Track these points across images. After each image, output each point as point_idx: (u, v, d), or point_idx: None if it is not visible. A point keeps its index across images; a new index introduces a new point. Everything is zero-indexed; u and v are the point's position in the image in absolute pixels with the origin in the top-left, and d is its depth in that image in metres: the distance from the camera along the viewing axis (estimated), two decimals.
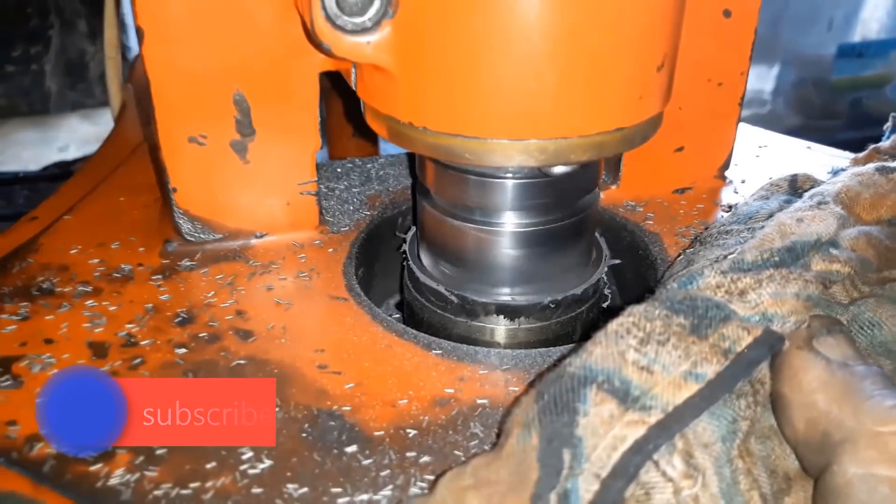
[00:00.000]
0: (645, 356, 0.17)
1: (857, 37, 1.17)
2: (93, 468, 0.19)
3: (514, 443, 0.17)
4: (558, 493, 0.16)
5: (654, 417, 0.16)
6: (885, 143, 0.34)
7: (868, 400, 0.17)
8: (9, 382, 0.22)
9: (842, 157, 0.37)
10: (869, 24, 1.17)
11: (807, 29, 1.15)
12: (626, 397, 0.17)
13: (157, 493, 0.18)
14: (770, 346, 0.18)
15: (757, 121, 1.19)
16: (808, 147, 0.38)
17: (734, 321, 0.18)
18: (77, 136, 1.96)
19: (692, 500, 0.16)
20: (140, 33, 0.24)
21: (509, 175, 0.23)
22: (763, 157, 0.35)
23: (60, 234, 0.29)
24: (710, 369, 0.17)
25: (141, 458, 0.19)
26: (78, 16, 2.14)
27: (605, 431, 0.16)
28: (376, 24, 0.19)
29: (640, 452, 0.16)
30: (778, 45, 1.18)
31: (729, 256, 0.20)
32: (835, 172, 0.32)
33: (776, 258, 0.20)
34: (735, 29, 0.29)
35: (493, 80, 0.19)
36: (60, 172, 1.09)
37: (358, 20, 0.19)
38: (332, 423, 0.20)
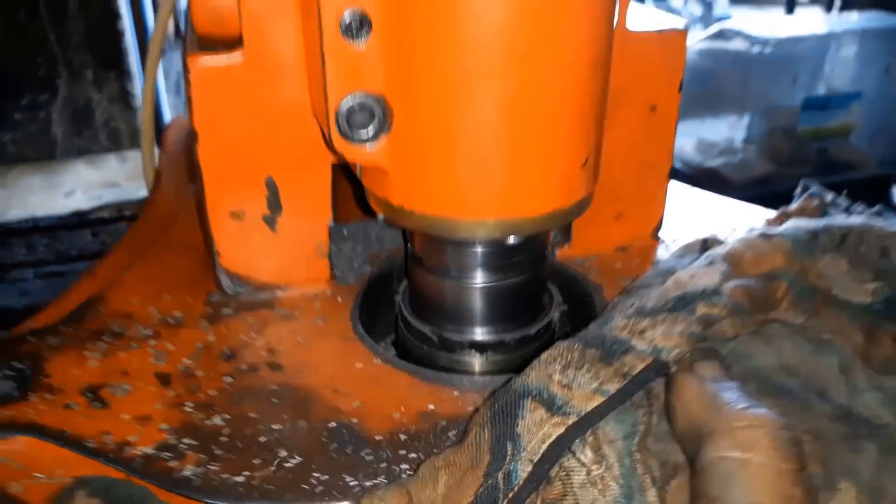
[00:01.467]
0: (566, 377, 0.24)
1: (821, 90, 1.26)
2: (171, 464, 0.25)
3: (474, 437, 0.23)
4: (503, 472, 0.23)
5: (571, 420, 0.23)
6: (792, 207, 0.41)
7: (726, 405, 0.24)
8: (99, 404, 0.28)
9: (763, 215, 0.45)
10: (831, 79, 1.26)
11: (775, 82, 1.24)
12: (552, 406, 0.23)
13: (217, 480, 0.25)
14: (657, 371, 0.25)
15: (729, 168, 1.27)
16: (735, 205, 0.45)
17: (632, 353, 0.25)
18: (83, 181, 2.03)
19: (599, 479, 0.23)
20: (195, 135, 0.31)
21: (477, 244, 0.30)
22: (696, 217, 0.43)
23: (122, 288, 0.36)
24: (613, 387, 0.24)
25: (205, 457, 0.26)
26: (85, 66, 2.23)
27: (536, 430, 0.23)
28: (375, 137, 0.27)
29: (561, 445, 0.23)
30: (748, 98, 1.27)
31: (635, 304, 0.27)
32: (749, 231, 0.39)
33: (669, 305, 0.27)
34: (660, 121, 0.36)
35: (462, 177, 0.26)
36: (78, 221, 1.17)
37: (362, 134, 0.27)
38: (344, 431, 0.27)
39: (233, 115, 0.30)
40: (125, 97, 2.34)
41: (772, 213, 0.44)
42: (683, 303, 0.27)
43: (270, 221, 0.33)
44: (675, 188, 0.45)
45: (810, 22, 1.28)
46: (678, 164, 1.29)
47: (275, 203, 0.32)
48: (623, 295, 0.31)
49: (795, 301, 0.30)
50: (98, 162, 2.26)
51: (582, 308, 0.35)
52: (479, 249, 0.30)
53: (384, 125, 0.26)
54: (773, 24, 1.22)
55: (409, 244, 0.33)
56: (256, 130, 0.31)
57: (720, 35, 1.22)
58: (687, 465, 0.25)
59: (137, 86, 2.30)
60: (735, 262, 0.30)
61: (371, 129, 0.26)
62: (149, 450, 0.26)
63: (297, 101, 0.30)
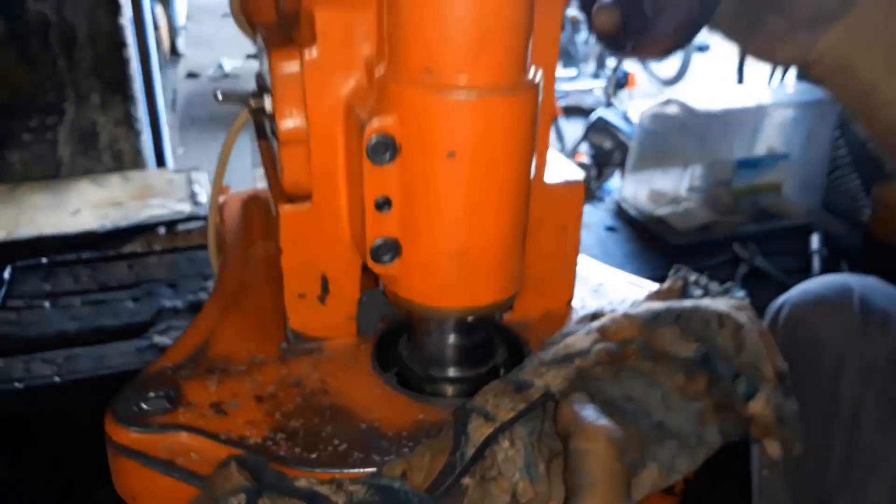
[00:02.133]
0: (496, 401, 0.43)
1: (755, 151, 1.47)
2: (272, 448, 0.44)
3: (444, 433, 0.42)
4: (459, 452, 0.42)
5: (497, 424, 0.42)
6: (663, 286, 0.61)
7: (585, 418, 0.43)
8: (222, 414, 0.47)
9: (647, 288, 0.64)
10: (764, 141, 1.47)
11: (716, 144, 1.45)
12: (487, 417, 0.42)
13: (300, 456, 0.44)
14: (547, 398, 0.44)
15: (675, 217, 1.47)
16: (629, 281, 0.65)
17: (534, 388, 0.44)
18: (88, 200, 2.21)
19: (512, 457, 0.42)
20: (280, 249, 0.50)
21: (451, 320, 0.49)
22: (598, 292, 0.63)
23: (219, 339, 0.55)
24: (522, 406, 0.43)
25: (291, 444, 0.45)
26: (92, 90, 2.42)
27: (478, 430, 0.42)
28: (391, 260, 0.46)
29: (491, 439, 0.42)
30: (692, 155, 1.47)
31: (539, 358, 0.46)
32: (632, 303, 0.59)
33: (559, 359, 0.46)
34: (569, 234, 0.56)
35: (443, 283, 0.46)
36: (115, 255, 1.35)
37: (384, 259, 0.46)
38: (370, 431, 0.46)
39: (304, 240, 0.49)
40: (129, 120, 2.54)
41: (652, 286, 0.64)
42: (568, 358, 0.46)
43: (322, 300, 0.52)
44: (588, 266, 0.65)
45: (747, 94, 1.50)
46: (633, 213, 1.50)
47: (325, 289, 0.52)
48: (539, 349, 0.51)
49: (640, 356, 0.49)
50: (102, 181, 2.44)
51: (516, 355, 0.54)
52: (452, 322, 0.49)
53: (398, 254, 0.46)
54: (714, 97, 1.43)
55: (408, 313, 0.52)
56: (318, 248, 0.50)
57: (668, 103, 1.43)
58: (563, 451, 0.44)
59: (141, 109, 2.49)
60: (604, 332, 0.49)
61: (390, 256, 0.46)
62: (258, 440, 0.45)
63: (344, 233, 0.49)
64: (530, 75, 0.42)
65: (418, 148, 0.41)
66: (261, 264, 0.64)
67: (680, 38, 0.51)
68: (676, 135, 1.44)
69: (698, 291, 0.60)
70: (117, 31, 2.10)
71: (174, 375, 0.50)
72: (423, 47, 0.40)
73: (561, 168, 0.55)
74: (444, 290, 0.45)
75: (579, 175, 0.55)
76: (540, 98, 0.43)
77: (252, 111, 0.50)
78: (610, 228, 1.48)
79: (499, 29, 0.39)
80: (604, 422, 0.42)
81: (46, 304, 1.15)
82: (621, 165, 2.53)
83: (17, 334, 1.08)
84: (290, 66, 0.45)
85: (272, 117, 0.47)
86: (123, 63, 2.21)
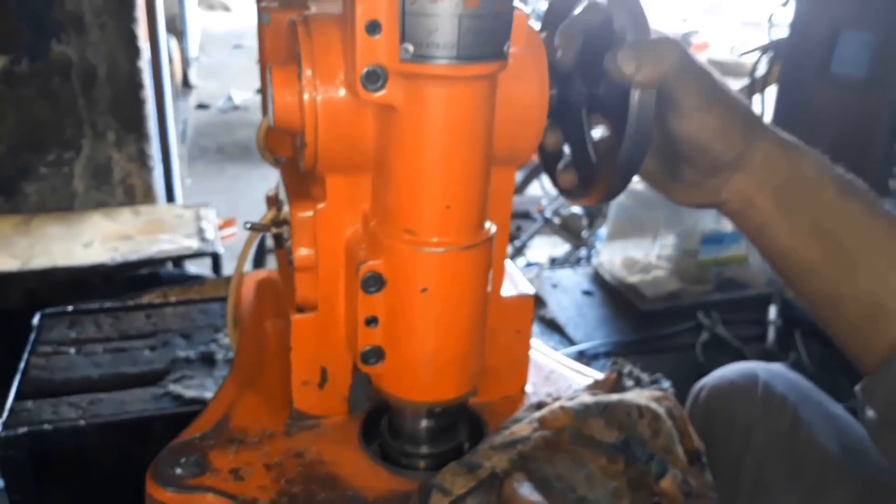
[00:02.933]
0: (453, 479, 0.56)
1: (721, 222, 1.61)
2: None
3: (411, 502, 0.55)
4: None
5: (453, 497, 0.55)
6: (600, 378, 0.74)
7: (519, 490, 0.55)
8: (240, 479, 0.60)
9: (590, 375, 0.77)
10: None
11: (683, 215, 1.58)
12: (445, 492, 0.55)
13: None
14: (494, 477, 0.57)
15: (646, 284, 1.61)
16: (575, 369, 0.78)
17: (483, 468, 0.57)
18: (100, 232, 2.35)
19: None
20: (289, 348, 0.63)
21: (422, 409, 0.62)
22: (549, 378, 0.76)
23: (238, 413, 0.68)
24: (472, 484, 0.56)
25: None
26: (109, 127, 2.58)
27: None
28: (376, 363, 0.59)
29: None
30: (659, 226, 1.61)
31: (490, 442, 0.59)
32: (569, 396, 0.72)
33: (505, 444, 0.59)
34: (521, 337, 0.69)
35: (416, 381, 0.59)
36: (134, 306, 1.48)
37: (371, 362, 0.59)
38: (355, 496, 0.59)
39: (310, 341, 0.63)
40: (142, 157, 2.70)
41: (595, 373, 0.77)
42: (512, 444, 0.59)
43: (321, 386, 0.65)
44: (542, 354, 0.78)
45: None
46: (608, 278, 1.63)
47: (324, 378, 0.65)
48: (493, 432, 0.63)
49: (571, 442, 0.62)
50: (114, 215, 2.59)
51: (477, 433, 0.67)
52: (423, 410, 0.63)
53: (382, 358, 0.59)
54: None
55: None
56: (320, 348, 0.63)
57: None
58: None
59: (154, 146, 2.64)
60: (542, 422, 0.62)
61: (375, 360, 0.59)
62: (266, 502, 0.58)
63: (340, 336, 0.63)
64: (485, 230, 0.56)
65: (400, 284, 0.55)
66: (272, 343, 0.78)
67: (616, 186, 0.64)
68: (648, 206, 1.58)
69: (630, 382, 0.73)
70: (135, 72, 2.25)
71: (201, 444, 0.63)
72: (404, 215, 0.53)
73: (515, 282, 0.69)
74: (418, 387, 0.58)
75: (530, 290, 0.68)
76: (493, 245, 0.56)
77: (274, 236, 0.64)
78: (587, 292, 1.61)
79: (460, 203, 0.53)
80: (536, 497, 0.55)
81: (72, 350, 1.28)
82: None
83: (47, 378, 1.20)
84: (306, 213, 0.59)
85: (289, 246, 0.61)
86: (139, 103, 2.37)
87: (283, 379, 0.67)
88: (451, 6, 0.46)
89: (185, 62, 5.60)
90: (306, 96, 0.53)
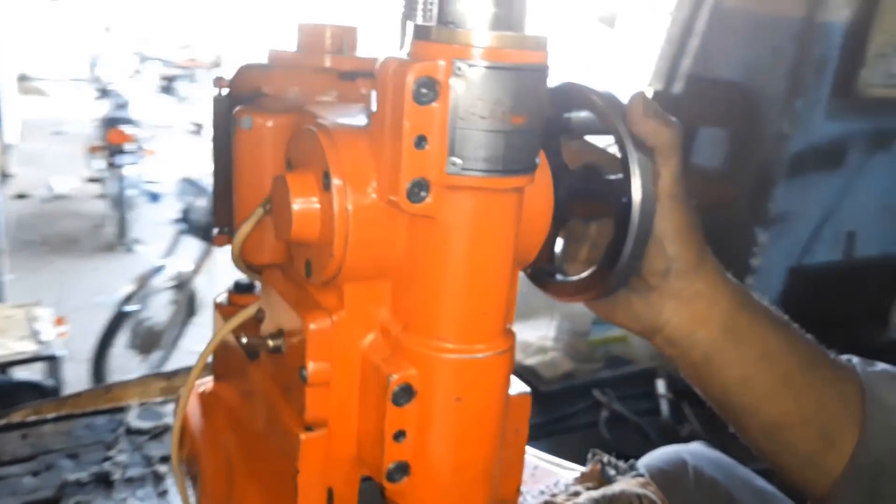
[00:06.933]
0: None
1: None
2: None
3: None
4: None
5: None
6: (586, 470, 0.75)
7: None
8: None
9: (569, 468, 0.79)
10: None
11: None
12: None
13: None
14: None
15: (544, 366, 1.67)
16: (555, 463, 0.79)
17: None
18: None
19: None
20: (297, 470, 0.59)
21: None
22: (535, 475, 0.76)
23: None
24: None
25: None
26: None
27: None
28: (400, 479, 0.57)
29: None
30: (553, 309, 1.69)
31: None
32: (566, 489, 0.73)
33: None
34: (519, 438, 0.69)
35: (439, 498, 0.57)
36: (6, 425, 1.29)
37: (397, 478, 0.56)
38: None
39: (318, 461, 0.59)
40: None
41: (573, 466, 0.79)
42: None
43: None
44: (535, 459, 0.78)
45: None
46: None
47: (330, 499, 0.61)
48: None
49: None
50: None
51: None
52: None
53: (407, 473, 0.56)
54: None
55: None
56: (328, 467, 0.59)
57: None
58: None
59: None
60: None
61: (401, 476, 0.56)
62: None
63: (350, 454, 0.59)
64: (512, 333, 0.56)
65: (434, 395, 0.53)
66: (239, 463, 0.71)
67: (619, 281, 0.65)
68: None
69: (612, 471, 0.75)
70: None
71: None
72: (440, 322, 0.53)
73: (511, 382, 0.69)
74: (447, 501, 0.56)
75: (526, 388, 0.69)
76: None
77: (269, 349, 0.60)
78: None
79: (495, 309, 0.53)
80: None
81: None
82: None
83: None
84: (321, 324, 0.56)
85: (298, 361, 0.57)
86: None
87: (267, 502, 0.62)
88: (501, 123, 0.48)
89: (3, 149, 5.18)
90: (336, 206, 0.51)
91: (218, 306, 0.79)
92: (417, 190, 0.49)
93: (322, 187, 0.53)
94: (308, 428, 0.59)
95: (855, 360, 0.72)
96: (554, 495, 0.68)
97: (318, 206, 0.53)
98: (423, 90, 0.47)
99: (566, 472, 0.75)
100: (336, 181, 0.52)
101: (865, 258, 1.97)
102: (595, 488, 0.71)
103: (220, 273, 4.50)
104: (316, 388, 0.57)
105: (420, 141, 0.48)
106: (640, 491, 0.69)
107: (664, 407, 1.56)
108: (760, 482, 0.90)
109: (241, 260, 0.68)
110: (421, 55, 0.48)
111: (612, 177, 0.64)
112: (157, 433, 1.30)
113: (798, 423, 0.67)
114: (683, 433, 1.44)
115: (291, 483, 0.60)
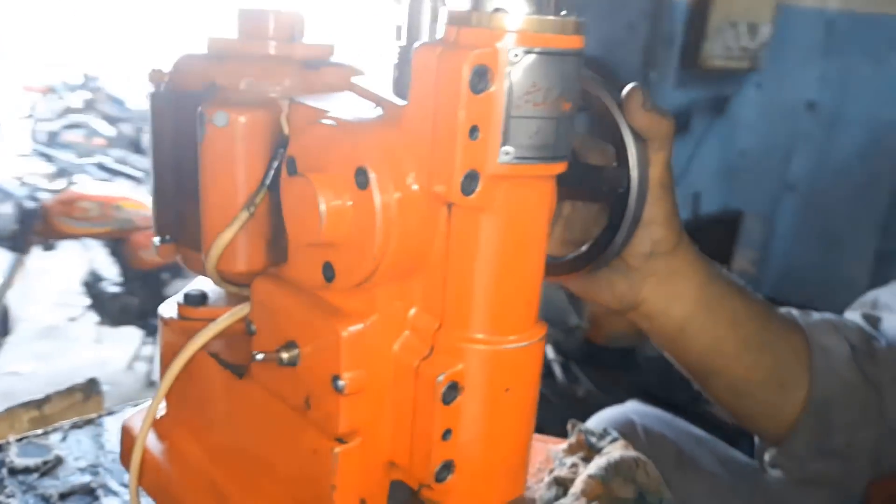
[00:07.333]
0: None
1: None
2: None
3: None
4: None
5: None
6: (572, 440, 0.77)
7: None
8: None
9: (553, 443, 0.81)
10: None
11: None
12: None
13: None
14: None
15: None
16: (539, 440, 0.80)
17: None
18: None
19: None
20: (334, 486, 0.55)
21: None
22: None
23: None
24: None
25: None
26: None
27: None
28: (445, 480, 0.55)
29: None
30: None
31: None
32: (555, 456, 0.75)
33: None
34: None
35: (482, 492, 0.56)
36: None
37: (443, 477, 0.55)
38: None
39: (353, 472, 0.56)
40: None
41: (556, 440, 0.81)
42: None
43: None
44: None
45: None
46: None
47: None
48: None
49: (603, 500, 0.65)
50: None
51: None
52: None
53: (452, 471, 0.55)
54: None
55: None
56: (361, 477, 0.56)
57: None
58: None
59: None
60: (584, 494, 0.64)
61: (447, 474, 0.55)
62: None
63: (382, 460, 0.57)
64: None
65: (483, 388, 0.53)
66: (234, 492, 0.66)
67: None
68: None
69: (593, 438, 0.78)
70: None
71: None
72: (486, 315, 0.52)
73: None
74: (491, 492, 0.56)
75: None
76: None
77: (283, 363, 0.56)
78: None
79: (535, 296, 0.54)
80: None
81: None
82: None
83: None
84: (354, 330, 0.53)
85: (324, 371, 0.54)
86: None
87: None
88: (553, 110, 0.48)
89: None
90: (378, 202, 0.49)
91: (167, 322, 0.72)
92: (469, 182, 0.48)
93: (356, 184, 0.49)
94: (340, 440, 0.55)
95: (794, 312, 0.80)
96: (552, 471, 0.69)
97: (349, 203, 0.50)
98: (479, 79, 0.46)
99: (544, 445, 0.77)
100: (374, 176, 0.49)
101: (708, 214, 2.19)
102: (586, 458, 0.74)
103: (36, 287, 4.04)
104: (351, 398, 0.54)
105: (473, 131, 0.47)
106: (633, 454, 0.72)
107: (557, 370, 1.64)
108: (696, 430, 0.98)
109: (216, 271, 0.62)
110: (470, 42, 0.46)
111: (595, 163, 0.66)
112: (48, 469, 1.16)
113: (760, 378, 0.74)
114: (580, 393, 1.52)
115: (320, 502, 0.56)
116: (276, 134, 0.61)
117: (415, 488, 0.57)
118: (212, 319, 0.66)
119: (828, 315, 0.81)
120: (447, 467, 0.54)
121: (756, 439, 0.88)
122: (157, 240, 0.71)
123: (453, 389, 0.52)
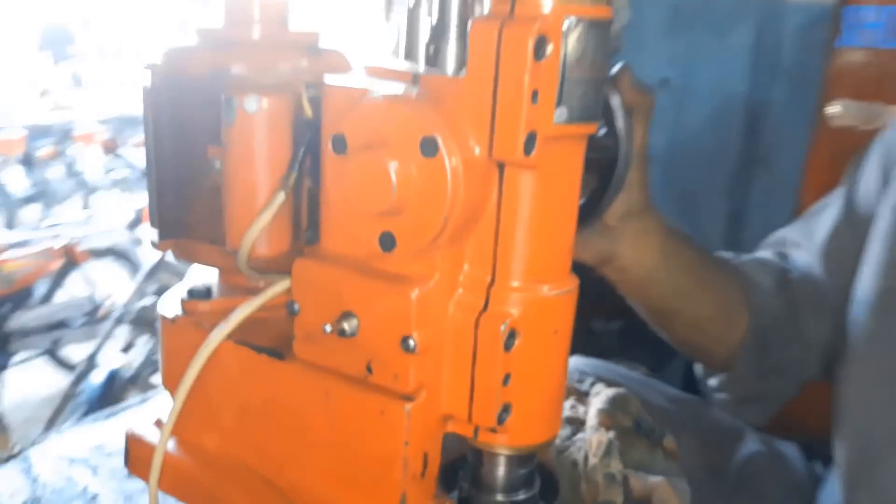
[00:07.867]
0: (606, 492, 0.61)
1: None
2: None
3: None
4: None
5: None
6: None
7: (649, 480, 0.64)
8: None
9: None
10: None
11: None
12: None
13: None
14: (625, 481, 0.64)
15: None
16: None
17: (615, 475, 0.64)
18: None
19: None
20: (408, 442, 0.58)
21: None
22: None
23: None
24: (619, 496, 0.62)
25: None
26: None
27: None
28: (504, 422, 0.60)
29: None
30: None
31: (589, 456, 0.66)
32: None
33: (605, 452, 0.66)
34: None
35: (531, 429, 0.61)
36: None
37: (503, 419, 0.60)
38: None
39: (421, 431, 0.59)
40: None
41: None
42: (609, 451, 0.67)
43: (423, 475, 0.61)
44: None
45: None
46: None
47: (426, 464, 0.61)
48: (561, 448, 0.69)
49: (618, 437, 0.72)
50: None
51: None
52: (532, 453, 0.64)
53: (510, 413, 0.60)
54: None
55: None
56: (423, 433, 0.60)
57: None
58: None
59: None
60: (601, 424, 0.71)
61: (505, 417, 0.59)
62: None
63: (438, 415, 0.60)
64: None
65: (536, 333, 0.58)
66: (290, 472, 0.66)
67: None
68: None
69: (575, 383, 0.85)
70: None
71: None
72: (538, 266, 0.57)
73: None
74: (539, 428, 0.61)
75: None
76: None
77: (345, 333, 0.58)
78: None
79: (572, 245, 0.59)
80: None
81: None
82: None
83: None
84: (421, 291, 0.56)
85: (389, 335, 0.57)
86: None
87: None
88: (598, 73, 0.54)
89: None
90: (449, 167, 0.52)
91: (174, 321, 0.71)
92: (531, 142, 0.53)
93: (420, 153, 0.53)
94: (408, 398, 0.58)
95: (728, 255, 0.93)
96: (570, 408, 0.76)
97: (415, 172, 0.53)
98: (540, 47, 0.51)
99: None
100: (442, 143, 0.52)
101: None
102: (578, 400, 0.81)
103: None
104: (418, 356, 0.57)
105: (535, 95, 0.52)
106: (621, 390, 0.80)
107: None
108: (637, 374, 1.09)
109: (247, 260, 0.63)
110: (528, 14, 0.51)
111: None
112: None
113: (711, 313, 0.86)
114: None
115: (381, 465, 0.59)
116: (299, 117, 0.62)
117: (470, 436, 0.61)
118: (221, 312, 0.66)
119: (750, 256, 0.95)
120: (506, 409, 0.59)
121: (700, 371, 1.00)
122: (155, 235, 0.70)
123: (512, 337, 0.57)
